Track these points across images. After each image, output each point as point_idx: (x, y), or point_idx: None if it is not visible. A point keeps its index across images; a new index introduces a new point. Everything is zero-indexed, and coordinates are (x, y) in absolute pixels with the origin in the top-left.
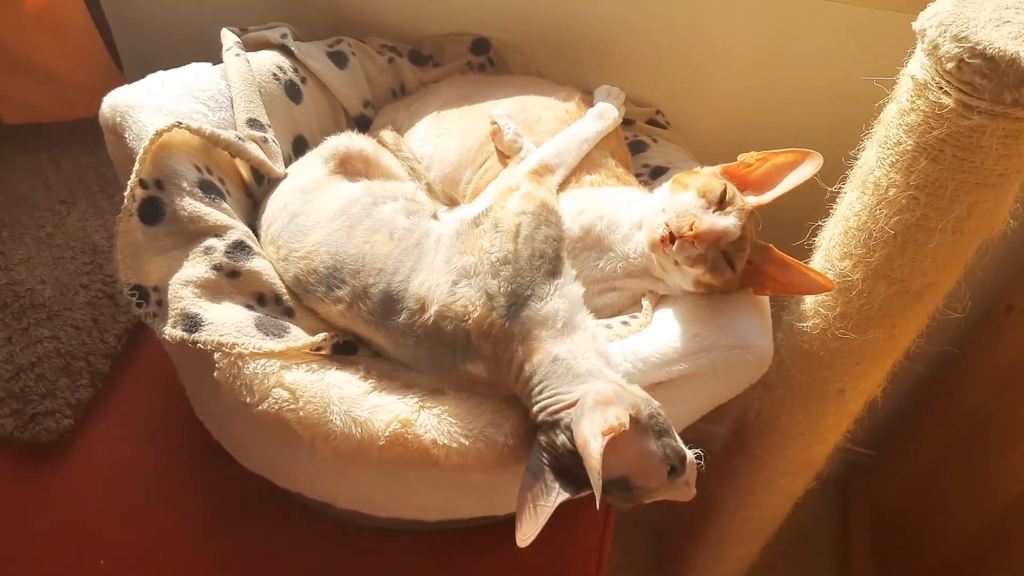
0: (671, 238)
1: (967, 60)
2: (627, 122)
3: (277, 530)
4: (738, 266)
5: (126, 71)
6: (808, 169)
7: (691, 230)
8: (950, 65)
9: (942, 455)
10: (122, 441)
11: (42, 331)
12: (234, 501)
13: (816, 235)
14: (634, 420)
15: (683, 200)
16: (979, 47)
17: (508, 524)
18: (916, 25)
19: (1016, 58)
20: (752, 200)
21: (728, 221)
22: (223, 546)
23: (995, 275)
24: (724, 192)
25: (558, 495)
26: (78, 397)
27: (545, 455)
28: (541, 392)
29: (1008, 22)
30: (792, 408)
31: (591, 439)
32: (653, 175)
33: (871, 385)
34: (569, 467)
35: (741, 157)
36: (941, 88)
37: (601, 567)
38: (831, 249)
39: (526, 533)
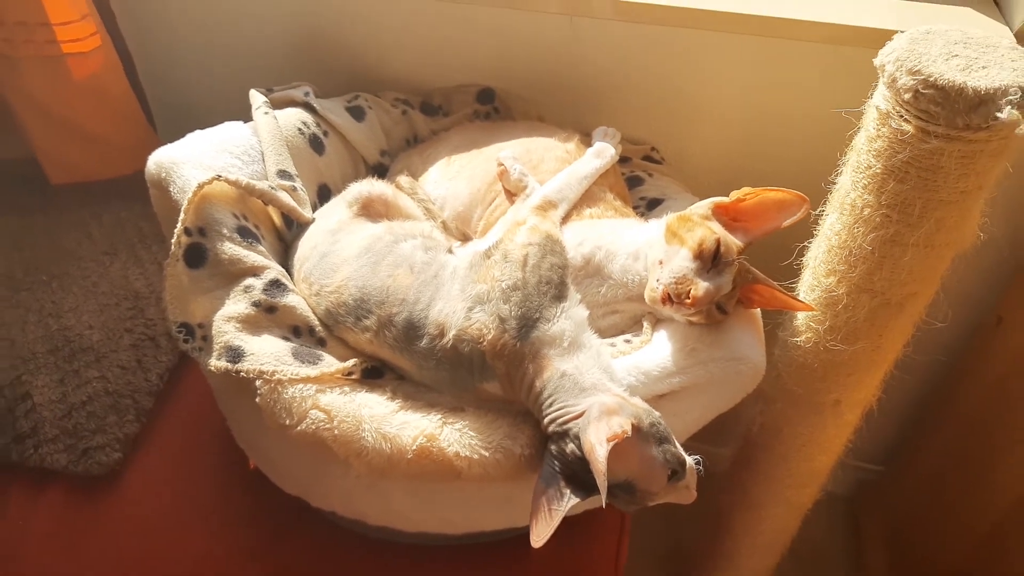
0: (670, 299)
1: (921, 91)
2: (624, 159)
3: (313, 551)
4: (729, 309)
5: (160, 133)
6: (798, 214)
7: (688, 297)
8: (907, 95)
9: (946, 466)
10: (167, 471)
11: (91, 372)
12: (272, 524)
13: (803, 255)
14: (636, 428)
15: (679, 263)
16: (931, 79)
17: (528, 537)
18: (876, 61)
19: (964, 87)
20: (741, 241)
21: (721, 281)
22: (263, 566)
23: (985, 288)
24: (716, 250)
25: (569, 499)
26: (125, 432)
27: (556, 463)
28: (551, 405)
29: (956, 56)
30: (792, 420)
31: (597, 445)
32: (649, 206)
33: (865, 395)
34: (578, 473)
35: (735, 193)
36: (902, 116)
37: None
38: (817, 267)
39: (540, 534)
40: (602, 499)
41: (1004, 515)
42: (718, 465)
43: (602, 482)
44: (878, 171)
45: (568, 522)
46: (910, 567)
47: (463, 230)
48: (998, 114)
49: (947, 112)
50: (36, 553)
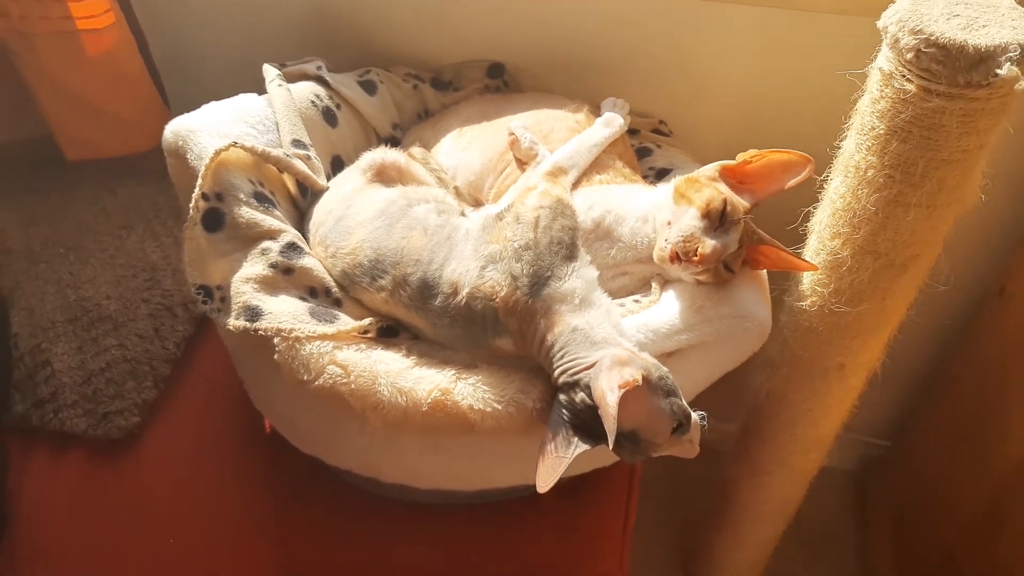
0: (678, 257)
1: (923, 50)
2: (633, 131)
3: (328, 510)
4: (736, 268)
5: (173, 109)
6: (803, 174)
7: (696, 255)
8: (909, 55)
9: (950, 440)
10: (184, 435)
11: (109, 340)
12: (289, 486)
13: (808, 220)
14: (646, 379)
15: (687, 221)
16: (932, 38)
17: (539, 495)
18: (879, 23)
19: (964, 45)
20: (747, 202)
21: (728, 239)
22: (278, 526)
23: (988, 259)
24: (723, 209)
25: (576, 447)
26: (144, 397)
27: (565, 412)
28: (563, 357)
29: (957, 15)
30: (798, 385)
31: (608, 391)
32: (658, 176)
33: (869, 359)
34: (587, 422)
35: (740, 156)
36: (904, 76)
37: (624, 561)
38: (822, 231)
39: (546, 480)
40: (609, 443)
41: (1003, 486)
42: (724, 440)
43: (611, 426)
44: (881, 132)
45: (577, 483)
46: (916, 541)
47: (475, 196)
48: (998, 71)
49: (948, 70)
50: (57, 515)
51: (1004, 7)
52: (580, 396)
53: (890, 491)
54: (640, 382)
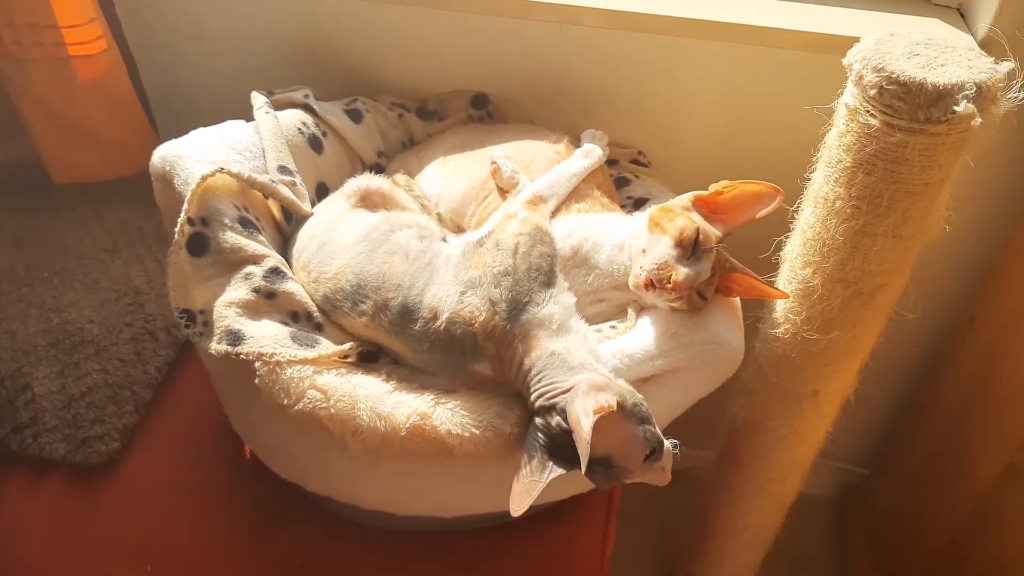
0: (652, 284)
1: (885, 87)
2: (612, 162)
3: (307, 537)
4: (709, 296)
5: (161, 135)
6: (772, 204)
7: (670, 282)
8: (873, 92)
9: (925, 467)
10: (165, 460)
11: (91, 364)
12: (266, 512)
13: (780, 249)
14: (621, 405)
15: (660, 250)
16: (894, 75)
17: (516, 522)
18: (845, 60)
19: (924, 83)
20: (720, 231)
21: (700, 267)
22: (257, 552)
23: (957, 289)
24: (696, 237)
25: (551, 471)
26: (124, 422)
27: (541, 435)
28: (539, 381)
29: (917, 55)
30: (773, 412)
31: (583, 416)
32: (636, 205)
33: (842, 385)
34: (561, 447)
35: (713, 187)
36: (868, 111)
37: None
38: (793, 260)
39: (520, 504)
40: (582, 467)
41: (976, 511)
42: (703, 467)
43: (584, 451)
44: (848, 164)
45: (555, 510)
46: (895, 566)
47: (457, 223)
48: (955, 107)
49: (909, 106)
50: (35, 541)
51: (962, 48)
52: (556, 420)
53: (868, 517)
54: (615, 408)
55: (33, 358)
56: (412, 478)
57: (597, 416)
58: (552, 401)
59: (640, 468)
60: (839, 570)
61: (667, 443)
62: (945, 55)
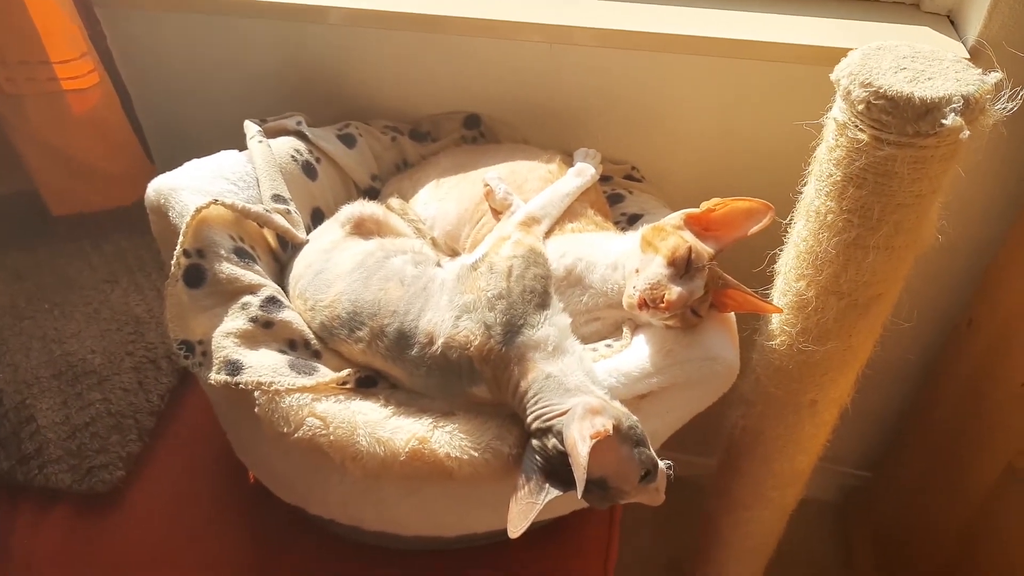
0: (645, 304)
1: (873, 102)
2: (606, 178)
3: (312, 559)
4: (703, 313)
5: (156, 164)
6: (764, 221)
7: (663, 301)
8: (861, 107)
9: (927, 470)
10: (169, 488)
11: (94, 394)
12: (271, 536)
13: (774, 262)
14: (617, 428)
15: (653, 269)
16: (881, 90)
17: (517, 540)
18: (832, 76)
19: (911, 97)
20: (712, 248)
21: (693, 286)
22: (264, 575)
23: (955, 292)
24: (688, 256)
25: (548, 492)
26: (128, 451)
27: (537, 457)
28: (536, 403)
29: (904, 68)
30: (772, 422)
31: (579, 441)
32: (630, 221)
33: (840, 394)
34: (558, 468)
35: (704, 204)
36: (857, 126)
37: None
38: (787, 272)
39: (518, 526)
40: (579, 492)
41: (979, 511)
42: (705, 475)
43: (581, 475)
44: (838, 178)
45: (557, 522)
46: (899, 570)
47: (452, 246)
48: (943, 121)
49: (897, 120)
50: (43, 571)
51: (948, 60)
52: (552, 442)
53: (872, 521)
54: (611, 432)
55: (36, 389)
56: (413, 500)
57: (594, 441)
58: (548, 423)
59: (636, 489)
60: (843, 573)
61: (661, 464)
62: (932, 68)
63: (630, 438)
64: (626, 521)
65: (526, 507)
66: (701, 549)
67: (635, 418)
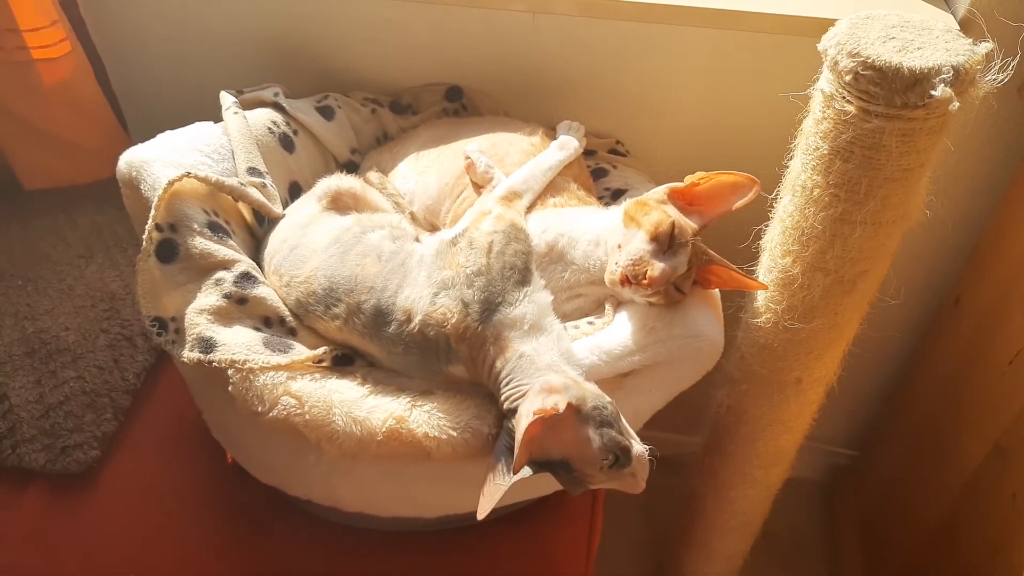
0: (628, 280)
1: (861, 72)
2: (590, 152)
3: (289, 540)
4: (687, 290)
5: (132, 137)
6: (749, 195)
7: (645, 278)
8: (848, 77)
9: (914, 446)
10: (144, 467)
11: (68, 372)
12: (249, 516)
13: (760, 238)
14: (575, 408)
15: (636, 245)
16: (869, 60)
17: (502, 516)
18: (820, 45)
19: (900, 67)
20: (696, 224)
21: (676, 261)
22: (241, 557)
23: (943, 270)
24: (671, 231)
25: (512, 475)
26: (103, 430)
27: (508, 439)
28: (508, 384)
29: (893, 38)
30: (757, 400)
31: (523, 416)
32: (614, 196)
33: (825, 373)
34: None
35: (688, 178)
36: (844, 97)
37: (589, 570)
38: (773, 249)
39: (483, 508)
40: (515, 467)
41: (963, 491)
42: (690, 454)
43: (519, 451)
44: (825, 152)
45: (540, 503)
46: (884, 548)
47: (432, 221)
48: (932, 92)
49: (885, 92)
50: (16, 551)
51: (938, 30)
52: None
53: (858, 500)
54: (561, 410)
55: (9, 368)
56: (392, 480)
57: (536, 417)
58: (516, 404)
59: (605, 474)
60: (829, 551)
61: (638, 449)
62: (922, 38)
63: (593, 419)
64: (610, 501)
65: (493, 489)
66: (686, 528)
67: (607, 399)
